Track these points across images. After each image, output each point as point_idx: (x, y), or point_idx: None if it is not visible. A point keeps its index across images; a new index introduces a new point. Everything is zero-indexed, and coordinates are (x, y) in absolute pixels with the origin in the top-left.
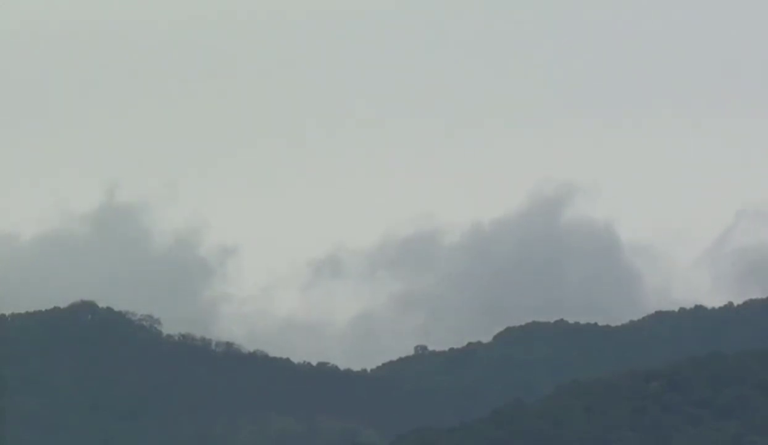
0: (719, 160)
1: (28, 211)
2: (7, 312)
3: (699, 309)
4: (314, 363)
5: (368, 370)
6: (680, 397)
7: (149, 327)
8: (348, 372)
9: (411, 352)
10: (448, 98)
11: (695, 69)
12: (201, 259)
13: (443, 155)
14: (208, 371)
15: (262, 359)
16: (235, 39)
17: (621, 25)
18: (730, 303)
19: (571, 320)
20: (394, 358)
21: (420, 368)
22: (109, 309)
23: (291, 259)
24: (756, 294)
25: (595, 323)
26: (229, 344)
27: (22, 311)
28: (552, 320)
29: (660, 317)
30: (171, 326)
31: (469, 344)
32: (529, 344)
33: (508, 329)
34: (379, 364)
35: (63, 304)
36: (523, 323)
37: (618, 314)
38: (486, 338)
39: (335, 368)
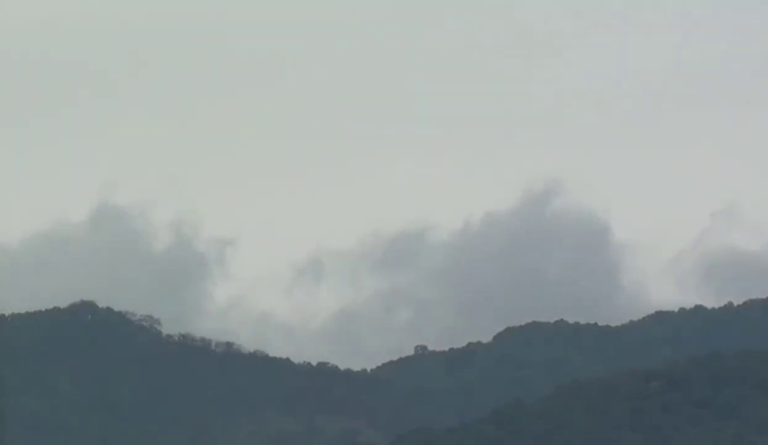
0: (713, 157)
1: (23, 212)
2: (7, 312)
3: (699, 309)
4: (314, 363)
5: (368, 370)
6: (680, 397)
7: (149, 327)
8: (348, 372)
9: (411, 352)
10: (437, 98)
11: (693, 69)
12: (193, 257)
13: (435, 155)
14: (208, 371)
15: (262, 359)
16: (229, 41)
17: (609, 26)
18: (730, 303)
19: (570, 320)
20: (394, 358)
21: (420, 368)
22: (109, 309)
23: (287, 257)
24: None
25: (595, 323)
26: (229, 344)
27: (22, 311)
28: (552, 320)
29: (660, 317)
30: (170, 326)
31: (469, 344)
32: (529, 344)
33: (508, 329)
34: (379, 364)
35: (63, 304)
36: (523, 323)
37: (617, 314)
38: (486, 338)
39: (335, 368)
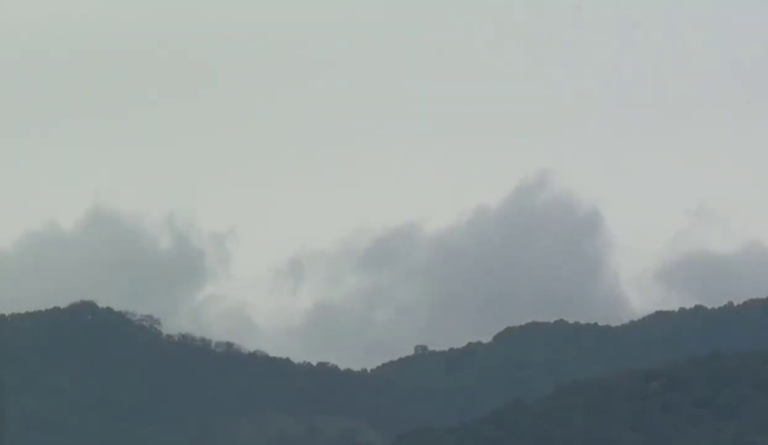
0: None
1: (21, 213)
2: (7, 312)
3: (699, 309)
4: (314, 363)
5: (368, 370)
6: (680, 397)
7: (149, 327)
8: (348, 372)
9: (410, 352)
10: (430, 98)
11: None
12: (184, 255)
13: (426, 155)
14: (208, 371)
15: (262, 359)
16: (226, 41)
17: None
18: (730, 303)
19: (570, 320)
20: (395, 358)
21: (420, 368)
22: (109, 309)
23: (285, 254)
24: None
25: (595, 323)
26: (229, 344)
27: (22, 311)
28: (552, 320)
29: (660, 317)
30: (170, 326)
31: (469, 344)
32: (529, 344)
33: (508, 329)
34: (379, 364)
35: (63, 304)
36: (523, 323)
37: (617, 314)
38: (486, 338)
39: (335, 368)
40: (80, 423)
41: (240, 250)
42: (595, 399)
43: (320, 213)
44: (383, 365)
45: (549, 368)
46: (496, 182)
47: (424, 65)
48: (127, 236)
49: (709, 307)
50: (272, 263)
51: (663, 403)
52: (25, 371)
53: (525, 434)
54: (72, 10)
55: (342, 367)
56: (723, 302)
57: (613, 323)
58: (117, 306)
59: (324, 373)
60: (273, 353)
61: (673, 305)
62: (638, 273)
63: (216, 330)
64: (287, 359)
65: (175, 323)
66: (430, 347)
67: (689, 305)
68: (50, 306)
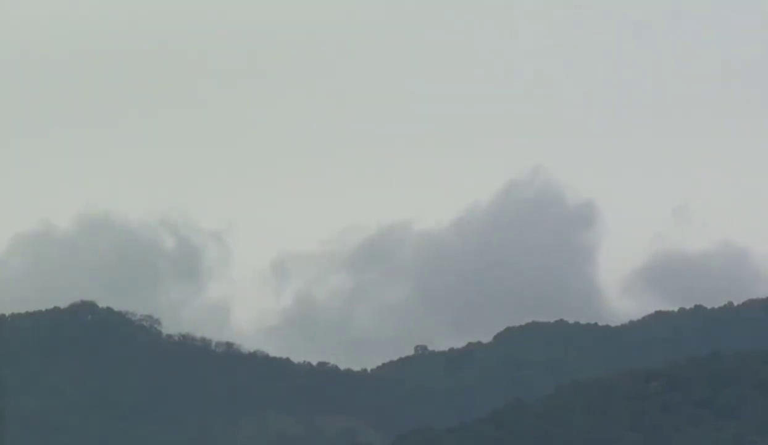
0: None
1: (18, 213)
2: (7, 312)
3: (699, 309)
4: (314, 363)
5: (368, 370)
6: (680, 397)
7: (149, 327)
8: (348, 372)
9: (411, 352)
10: (416, 99)
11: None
12: (176, 253)
13: (421, 154)
14: (208, 371)
15: (262, 359)
16: (223, 41)
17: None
18: (730, 303)
19: (570, 320)
20: (395, 358)
21: (420, 368)
22: (109, 309)
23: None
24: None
25: (595, 323)
26: (229, 344)
27: (22, 311)
28: (552, 320)
29: (660, 317)
30: (168, 326)
31: (469, 344)
32: (529, 344)
33: (508, 329)
34: (379, 364)
35: (63, 304)
36: (522, 323)
37: (617, 314)
38: (486, 338)
39: (335, 368)
40: (80, 423)
41: (238, 248)
42: (595, 399)
43: (318, 213)
44: (383, 365)
45: (549, 368)
46: (489, 180)
47: (417, 65)
48: (126, 236)
49: (709, 307)
50: (271, 263)
51: (663, 403)
52: (25, 371)
53: (525, 434)
54: (72, 10)
55: (342, 367)
56: (723, 302)
57: (613, 323)
58: (117, 306)
59: (324, 373)
60: (273, 353)
61: (673, 305)
62: (638, 273)
63: (215, 330)
64: (287, 359)
65: (174, 323)
66: (430, 347)
67: (689, 304)
68: (50, 306)
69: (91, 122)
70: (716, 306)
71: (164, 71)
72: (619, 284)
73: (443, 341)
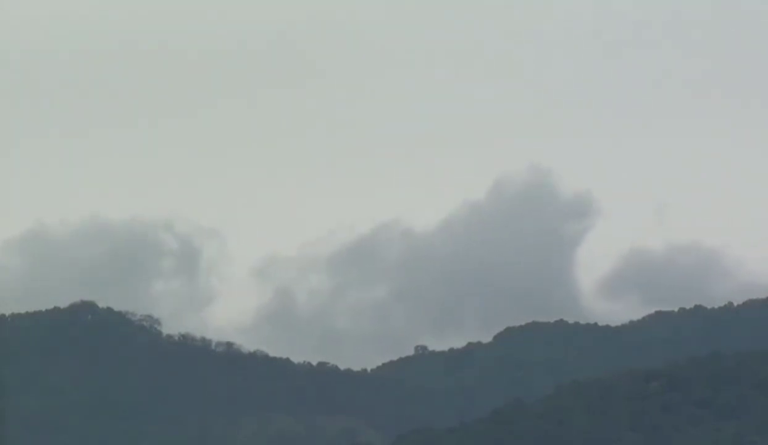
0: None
1: (17, 215)
2: (7, 312)
3: (699, 309)
4: (314, 363)
5: (368, 370)
6: (680, 397)
7: (149, 327)
8: (348, 372)
9: (411, 352)
10: (417, 97)
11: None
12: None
13: (417, 153)
14: (208, 371)
15: (262, 359)
16: (221, 41)
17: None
18: (730, 303)
19: (570, 320)
20: (395, 358)
21: (420, 368)
22: (109, 309)
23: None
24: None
25: (595, 323)
26: (229, 344)
27: (22, 311)
28: (552, 320)
29: (660, 317)
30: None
31: (469, 344)
32: (529, 344)
33: (508, 329)
34: (379, 364)
35: (63, 304)
36: (523, 323)
37: (616, 314)
38: (486, 338)
39: (335, 368)
40: (80, 423)
41: (236, 248)
42: (595, 399)
43: (316, 213)
44: (383, 365)
45: (549, 368)
46: (482, 179)
47: (410, 67)
48: (126, 236)
49: (709, 307)
50: (270, 262)
51: (663, 403)
52: (25, 371)
53: (525, 434)
54: (71, 10)
55: (342, 367)
56: (723, 302)
57: (613, 323)
58: (117, 306)
59: (324, 373)
60: (273, 352)
61: (673, 305)
62: (636, 272)
63: (214, 330)
64: (287, 359)
65: (173, 323)
66: (430, 347)
67: (689, 304)
68: (50, 306)
69: (91, 123)
70: (716, 306)
71: (162, 73)
72: (603, 283)
73: (443, 341)
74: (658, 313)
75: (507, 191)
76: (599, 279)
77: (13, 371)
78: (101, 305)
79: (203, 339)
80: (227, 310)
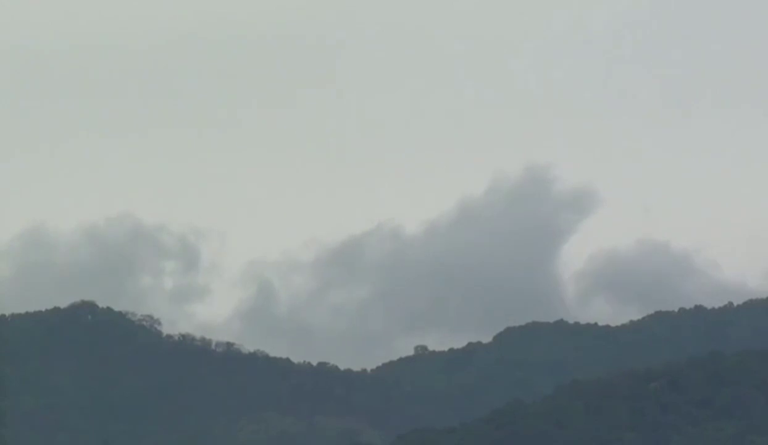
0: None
1: (17, 214)
2: (7, 312)
3: (699, 309)
4: (314, 363)
5: (368, 370)
6: (680, 397)
7: (149, 327)
8: (348, 372)
9: (411, 352)
10: (400, 102)
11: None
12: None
13: (415, 153)
14: (208, 371)
15: (262, 359)
16: (209, 47)
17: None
18: (730, 303)
19: (570, 320)
20: (395, 358)
21: (420, 368)
22: (109, 309)
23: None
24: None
25: (595, 323)
26: (229, 344)
27: (22, 311)
28: (552, 320)
29: (660, 317)
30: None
31: (469, 344)
32: (529, 344)
33: (508, 329)
34: (379, 364)
35: (63, 304)
36: (523, 323)
37: (616, 314)
38: (486, 338)
39: (335, 368)
40: (80, 423)
41: (237, 248)
42: (595, 399)
43: (314, 213)
44: (383, 365)
45: (549, 368)
46: (479, 181)
47: (410, 64)
48: (125, 237)
49: (709, 307)
50: (268, 262)
51: (663, 403)
52: (25, 371)
53: (525, 434)
54: (72, 10)
55: (342, 367)
56: (723, 302)
57: (613, 323)
58: (117, 306)
59: (324, 373)
60: (273, 353)
61: (673, 305)
62: (636, 272)
63: (214, 330)
64: (287, 359)
65: (172, 322)
66: (430, 347)
67: (689, 305)
68: (50, 306)
69: (90, 125)
70: (716, 306)
71: (159, 76)
72: (583, 284)
73: (443, 341)
74: (658, 313)
75: (503, 189)
76: (599, 279)
77: (13, 371)
78: (101, 305)
79: (203, 339)
80: (227, 310)
